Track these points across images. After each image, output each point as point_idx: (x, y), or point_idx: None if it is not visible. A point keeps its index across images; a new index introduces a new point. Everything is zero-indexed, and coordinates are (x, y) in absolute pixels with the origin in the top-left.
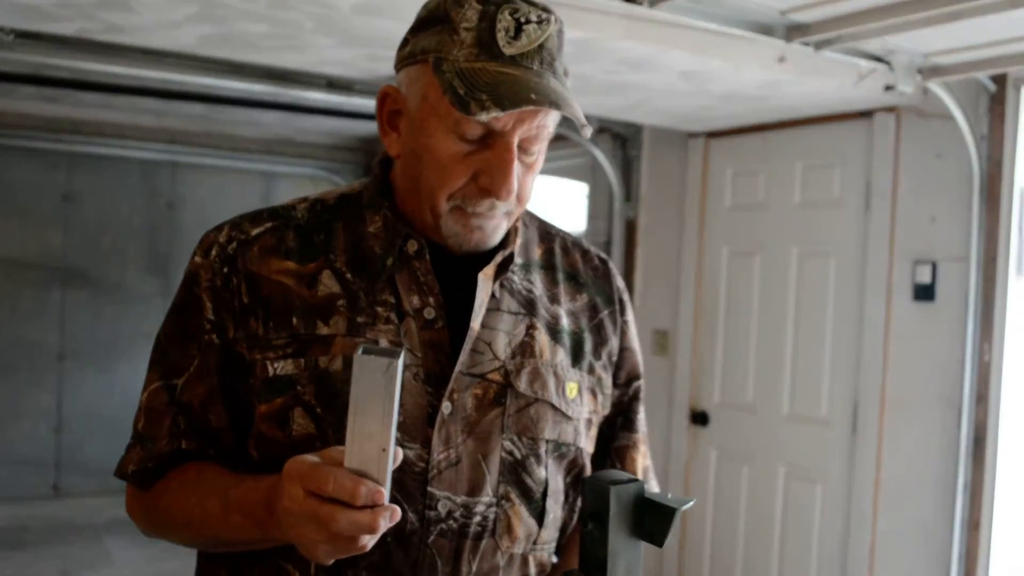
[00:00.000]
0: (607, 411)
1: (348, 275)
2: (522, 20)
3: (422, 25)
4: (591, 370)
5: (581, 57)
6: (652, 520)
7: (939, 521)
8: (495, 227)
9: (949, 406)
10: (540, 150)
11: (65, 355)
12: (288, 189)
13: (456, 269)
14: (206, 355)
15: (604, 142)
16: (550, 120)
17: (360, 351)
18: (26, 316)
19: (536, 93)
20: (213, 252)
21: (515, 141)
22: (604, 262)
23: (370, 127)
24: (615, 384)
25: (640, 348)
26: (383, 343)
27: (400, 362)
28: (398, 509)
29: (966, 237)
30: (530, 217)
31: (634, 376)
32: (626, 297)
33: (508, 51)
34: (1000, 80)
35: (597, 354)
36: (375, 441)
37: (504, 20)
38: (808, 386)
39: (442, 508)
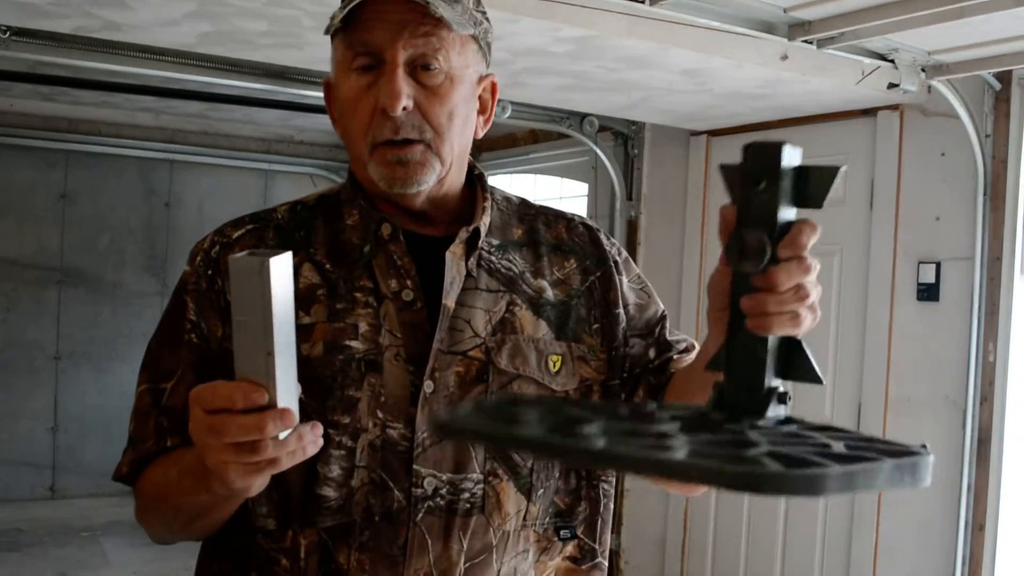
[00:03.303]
0: (608, 375)
1: (327, 266)
2: None
3: None
4: (577, 339)
5: (582, 55)
6: (813, 182)
7: (943, 522)
8: (419, 163)
9: (953, 407)
10: (447, 75)
11: (62, 355)
12: (286, 187)
13: (434, 253)
14: (187, 356)
15: (605, 140)
16: (444, 36)
17: (238, 256)
18: (22, 316)
19: None
20: (198, 259)
21: (399, 56)
22: (589, 228)
23: None
24: (636, 335)
25: (653, 292)
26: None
27: (276, 261)
28: (291, 411)
29: (971, 236)
30: (507, 200)
31: (653, 324)
32: (622, 256)
33: None
34: (1005, 78)
35: (590, 319)
36: (259, 346)
37: None
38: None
39: (428, 485)
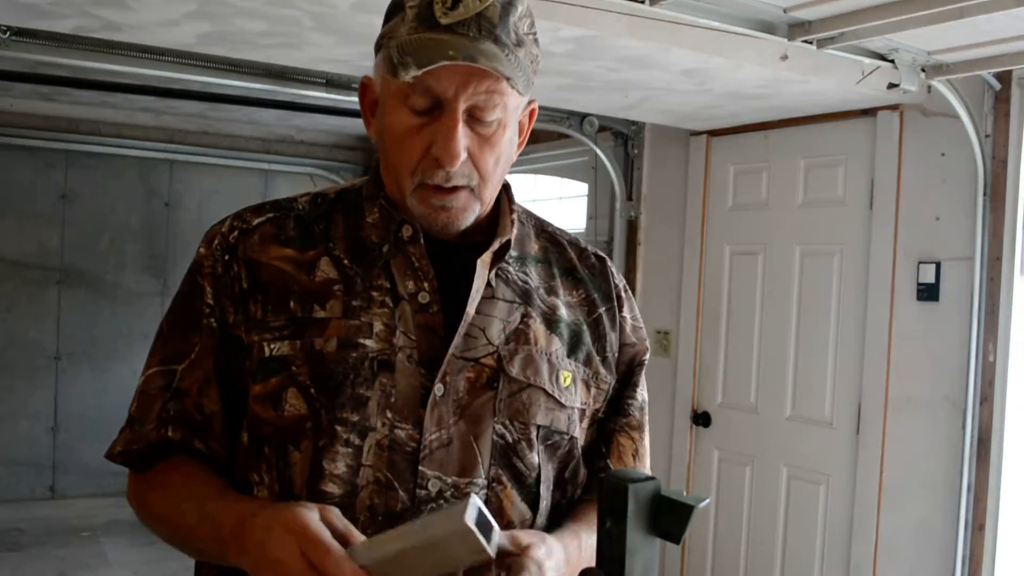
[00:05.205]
0: (599, 404)
1: (346, 261)
2: None
3: (387, 16)
4: (588, 362)
5: (583, 55)
6: (669, 518)
7: (943, 523)
8: (462, 207)
9: (953, 407)
10: (500, 123)
11: (62, 355)
12: (286, 187)
13: (452, 257)
14: (205, 339)
15: (605, 140)
16: (505, 88)
17: (472, 521)
18: (23, 316)
19: (455, 50)
20: (216, 242)
21: (460, 107)
22: (601, 260)
23: None
24: (617, 377)
25: (646, 337)
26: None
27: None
28: None
29: (970, 236)
30: (527, 215)
31: (634, 365)
32: (625, 293)
33: (444, 20)
34: (1005, 78)
35: (596, 348)
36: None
37: None
38: (811, 387)
39: (432, 487)
